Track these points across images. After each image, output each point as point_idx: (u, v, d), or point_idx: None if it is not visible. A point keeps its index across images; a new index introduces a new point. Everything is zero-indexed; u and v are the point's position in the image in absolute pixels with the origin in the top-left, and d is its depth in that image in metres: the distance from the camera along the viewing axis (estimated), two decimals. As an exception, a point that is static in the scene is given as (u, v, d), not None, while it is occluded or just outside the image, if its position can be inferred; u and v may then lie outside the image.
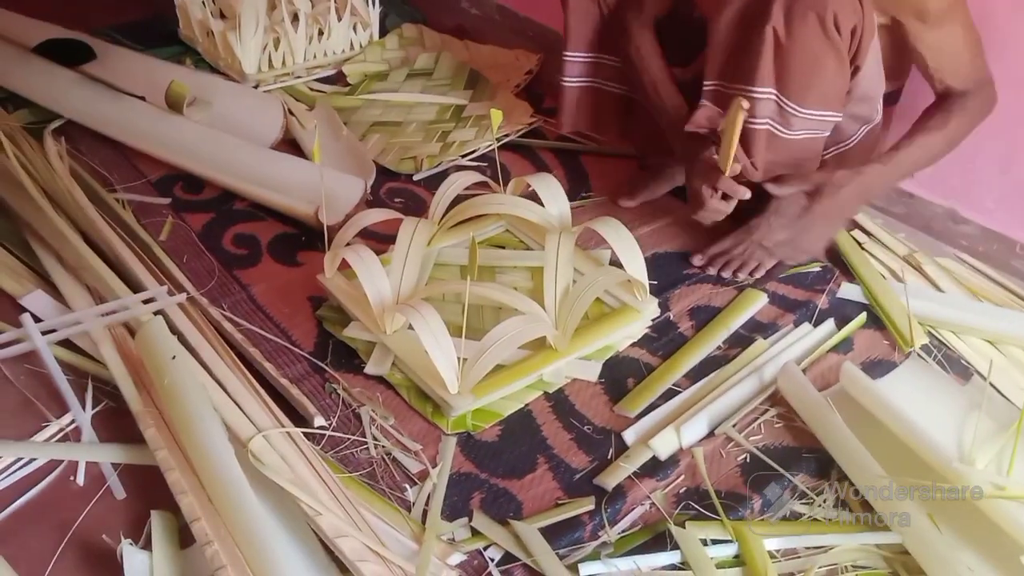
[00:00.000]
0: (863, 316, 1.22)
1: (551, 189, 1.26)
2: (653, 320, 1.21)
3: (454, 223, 1.27)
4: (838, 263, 1.33)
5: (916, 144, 1.21)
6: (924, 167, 1.27)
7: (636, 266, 1.16)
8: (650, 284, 1.26)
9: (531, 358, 1.09)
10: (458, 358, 1.02)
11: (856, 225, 1.42)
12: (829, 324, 1.21)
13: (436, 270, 1.25)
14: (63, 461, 0.96)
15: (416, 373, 1.06)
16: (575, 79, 1.44)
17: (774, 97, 1.16)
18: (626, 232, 1.17)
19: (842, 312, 1.23)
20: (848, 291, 1.27)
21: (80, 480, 0.95)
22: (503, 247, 1.33)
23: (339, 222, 1.29)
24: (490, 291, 1.10)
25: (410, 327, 1.06)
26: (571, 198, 1.33)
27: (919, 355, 1.15)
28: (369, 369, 1.10)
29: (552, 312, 1.11)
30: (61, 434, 1.00)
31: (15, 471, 0.95)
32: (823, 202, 1.23)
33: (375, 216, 1.20)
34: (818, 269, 1.32)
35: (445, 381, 1.01)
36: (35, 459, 0.96)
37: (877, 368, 1.14)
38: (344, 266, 1.15)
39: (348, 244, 1.15)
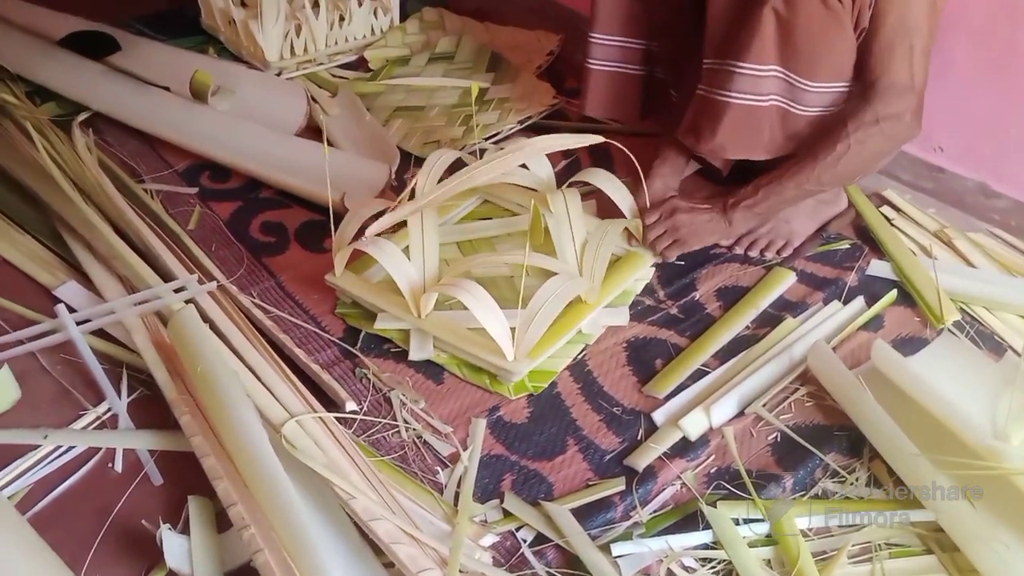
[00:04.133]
0: (893, 293, 1.20)
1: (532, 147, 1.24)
2: (681, 300, 1.21)
3: (447, 199, 1.23)
4: (867, 240, 1.32)
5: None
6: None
7: (633, 212, 1.26)
8: (677, 264, 1.27)
9: (566, 316, 1.11)
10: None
11: (885, 201, 1.40)
12: (859, 302, 1.20)
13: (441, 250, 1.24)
14: (101, 448, 0.98)
15: (464, 349, 1.07)
16: (600, 62, 1.43)
17: (779, 74, 1.16)
18: (618, 181, 1.26)
19: (872, 289, 1.22)
20: (878, 268, 1.26)
21: (118, 467, 0.96)
22: (490, 218, 1.34)
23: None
24: (541, 259, 1.11)
25: (440, 308, 1.11)
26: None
27: (951, 332, 1.14)
28: (413, 355, 1.11)
29: (576, 267, 1.14)
30: (98, 422, 1.02)
31: (55, 459, 0.97)
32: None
33: (372, 208, 1.19)
34: (847, 246, 1.31)
35: (503, 349, 1.03)
36: (74, 447, 0.98)
37: (908, 345, 1.13)
38: (350, 262, 1.16)
39: (353, 240, 1.15)
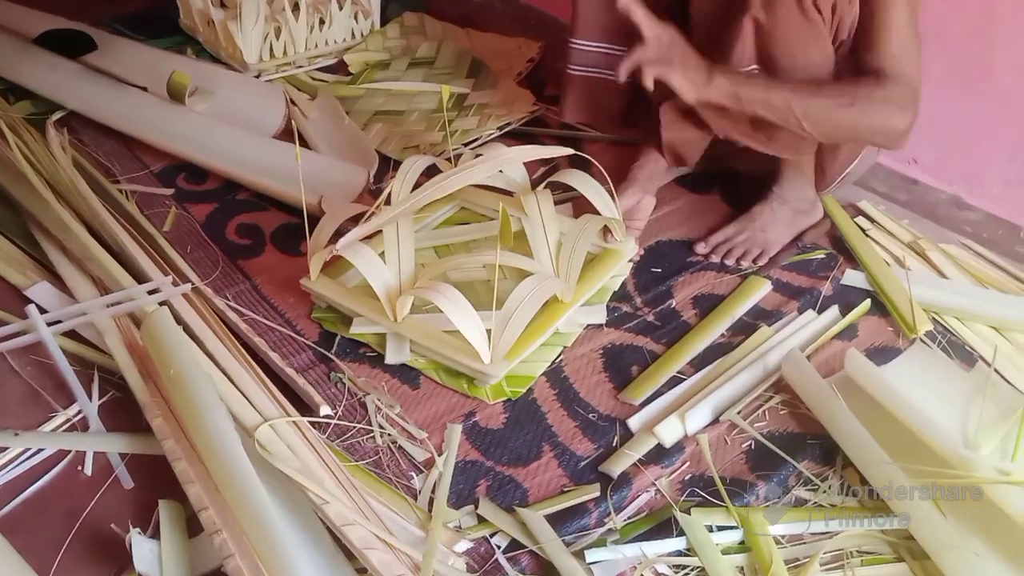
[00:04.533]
0: (867, 303, 1.22)
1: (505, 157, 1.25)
2: (657, 308, 1.22)
3: (422, 206, 1.21)
4: (842, 250, 1.33)
5: (811, 88, 1.13)
6: (791, 115, 1.12)
7: (609, 209, 1.22)
8: (654, 272, 1.27)
9: (542, 316, 1.11)
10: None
11: (860, 212, 1.41)
12: (833, 311, 1.20)
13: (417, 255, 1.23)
14: (71, 451, 0.97)
15: (441, 352, 1.07)
16: (581, 68, 1.43)
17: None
18: (593, 181, 1.23)
19: (846, 299, 1.23)
20: (852, 278, 1.27)
21: (88, 470, 0.95)
22: (467, 223, 1.34)
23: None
24: (514, 259, 1.10)
25: (418, 311, 1.11)
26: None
27: (923, 341, 1.15)
28: (389, 359, 1.10)
29: (551, 267, 1.14)
30: (68, 424, 1.01)
31: (23, 461, 0.95)
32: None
33: (346, 212, 1.19)
34: (822, 256, 1.32)
35: (479, 352, 1.03)
36: (43, 449, 0.97)
37: (881, 355, 1.14)
38: (326, 266, 1.16)
39: (328, 244, 1.14)
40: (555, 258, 1.16)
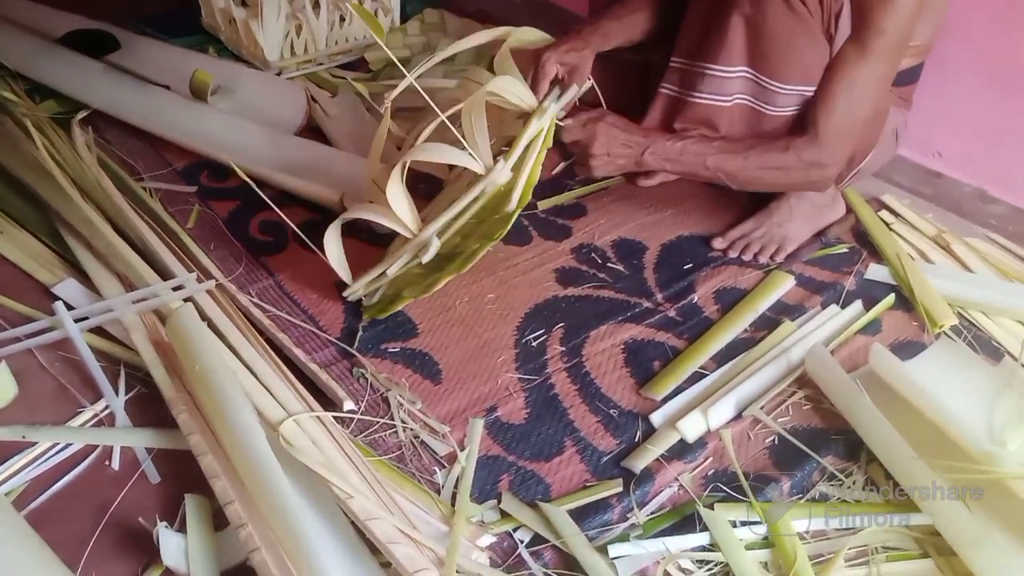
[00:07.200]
0: (891, 297, 1.21)
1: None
2: (679, 303, 1.22)
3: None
4: (866, 244, 1.32)
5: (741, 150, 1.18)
6: (729, 176, 1.20)
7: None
8: (674, 267, 1.27)
9: (514, 122, 1.16)
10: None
11: (883, 206, 1.40)
12: (857, 306, 1.20)
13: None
14: (98, 446, 0.98)
15: (456, 208, 1.11)
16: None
17: (748, 75, 1.18)
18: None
19: (870, 293, 1.22)
20: (876, 272, 1.26)
21: (115, 465, 0.96)
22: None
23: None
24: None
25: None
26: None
27: (948, 336, 1.14)
28: (426, 259, 1.10)
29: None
30: (96, 420, 1.02)
31: (52, 456, 0.96)
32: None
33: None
34: (845, 250, 1.31)
35: (473, 167, 1.09)
36: (71, 444, 0.98)
37: (906, 349, 1.13)
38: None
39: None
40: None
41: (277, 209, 1.17)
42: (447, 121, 1.10)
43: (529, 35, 1.26)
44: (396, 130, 1.31)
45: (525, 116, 1.16)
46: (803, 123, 1.17)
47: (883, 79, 1.15)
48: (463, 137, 1.10)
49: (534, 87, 1.18)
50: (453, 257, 1.12)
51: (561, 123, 1.19)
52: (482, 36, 1.24)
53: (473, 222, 1.13)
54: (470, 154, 1.09)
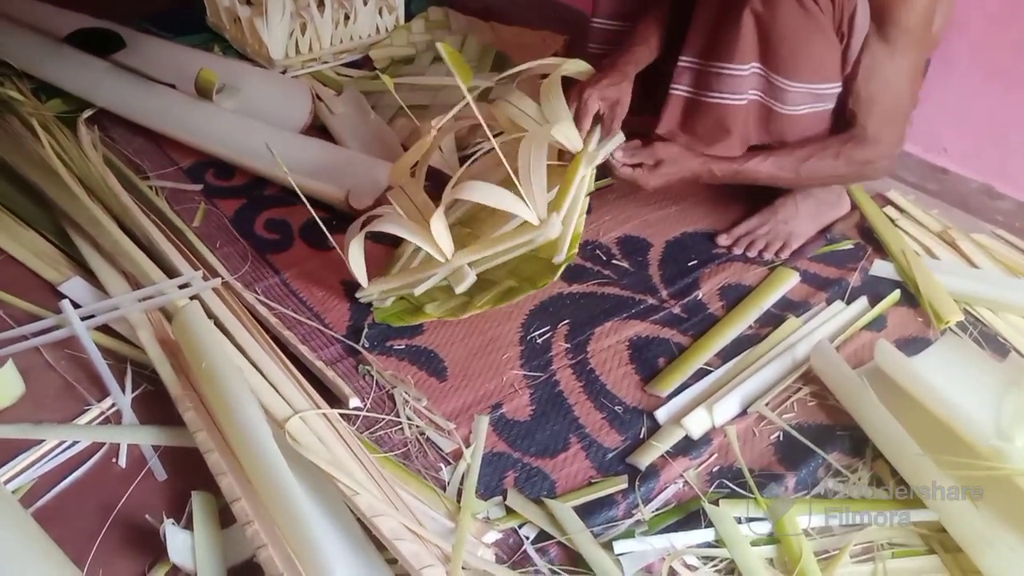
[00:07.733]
0: (896, 293, 1.20)
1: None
2: (684, 300, 1.22)
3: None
4: (871, 240, 1.32)
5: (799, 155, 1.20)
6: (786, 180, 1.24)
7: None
8: (679, 264, 1.27)
9: (559, 170, 1.15)
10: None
11: (888, 202, 1.40)
12: (862, 302, 1.20)
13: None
14: (105, 444, 0.98)
15: (499, 248, 1.08)
16: (600, 46, 1.44)
17: (759, 71, 1.18)
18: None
19: (875, 290, 1.22)
20: (881, 268, 1.26)
21: (122, 462, 0.96)
22: None
23: (368, 206, 1.30)
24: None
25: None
26: (596, 176, 1.32)
27: (954, 332, 1.14)
28: (459, 290, 1.10)
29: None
30: (102, 417, 1.02)
31: (59, 454, 0.97)
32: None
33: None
34: (850, 247, 1.31)
35: (525, 216, 1.06)
36: (78, 442, 0.98)
37: (911, 345, 1.13)
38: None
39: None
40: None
41: (313, 212, 1.19)
42: (497, 148, 1.10)
43: (577, 66, 1.26)
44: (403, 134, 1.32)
45: (565, 153, 1.18)
46: (841, 122, 1.19)
47: (916, 67, 1.18)
48: (513, 173, 1.09)
49: (578, 124, 1.20)
50: (485, 284, 1.13)
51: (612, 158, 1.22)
52: (533, 65, 1.24)
53: (515, 260, 1.13)
54: (523, 201, 1.07)
